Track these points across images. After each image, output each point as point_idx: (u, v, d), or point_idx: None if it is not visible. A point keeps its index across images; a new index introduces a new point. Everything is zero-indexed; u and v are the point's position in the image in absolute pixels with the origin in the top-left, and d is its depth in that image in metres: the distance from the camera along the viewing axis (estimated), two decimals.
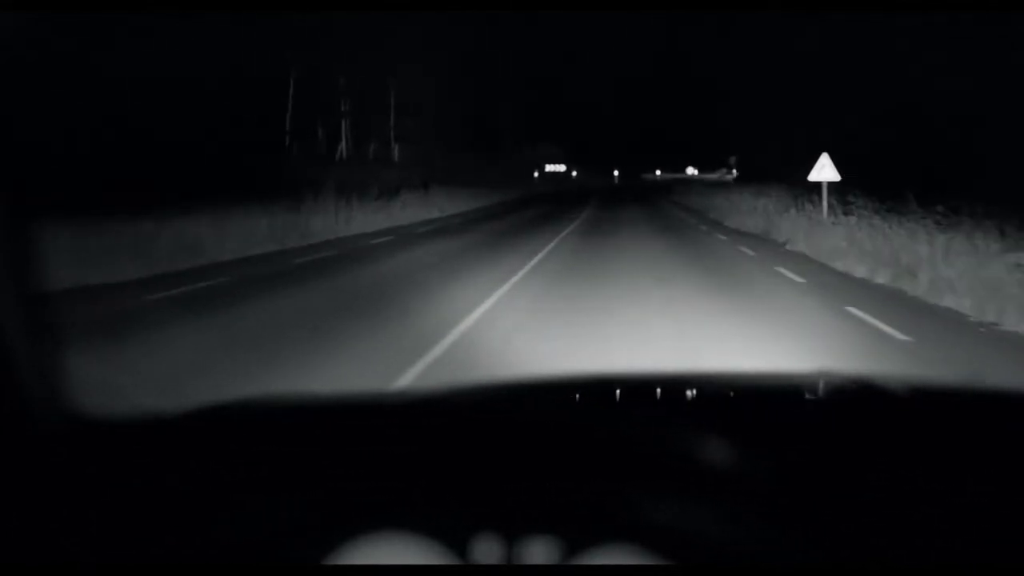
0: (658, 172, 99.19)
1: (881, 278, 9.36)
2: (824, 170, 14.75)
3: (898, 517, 0.71)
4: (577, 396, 1.22)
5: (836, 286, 9.05)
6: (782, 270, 10.46)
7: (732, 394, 1.30)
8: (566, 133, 73.76)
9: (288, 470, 0.78)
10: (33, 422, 0.81)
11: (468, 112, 46.82)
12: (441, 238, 16.55)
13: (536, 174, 63.68)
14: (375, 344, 5.77)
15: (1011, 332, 6.39)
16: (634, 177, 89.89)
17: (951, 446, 0.90)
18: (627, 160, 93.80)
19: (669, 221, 22.47)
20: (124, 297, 8.31)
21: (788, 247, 13.90)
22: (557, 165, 71.00)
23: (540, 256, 12.09)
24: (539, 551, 0.68)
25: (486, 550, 0.69)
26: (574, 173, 77.82)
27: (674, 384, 1.37)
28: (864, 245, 11.15)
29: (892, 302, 7.96)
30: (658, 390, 1.31)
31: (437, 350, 5.47)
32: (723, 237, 16.53)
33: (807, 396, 1.30)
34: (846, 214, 13.99)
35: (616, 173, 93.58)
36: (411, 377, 4.78)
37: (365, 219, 19.32)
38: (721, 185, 33.88)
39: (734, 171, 51.61)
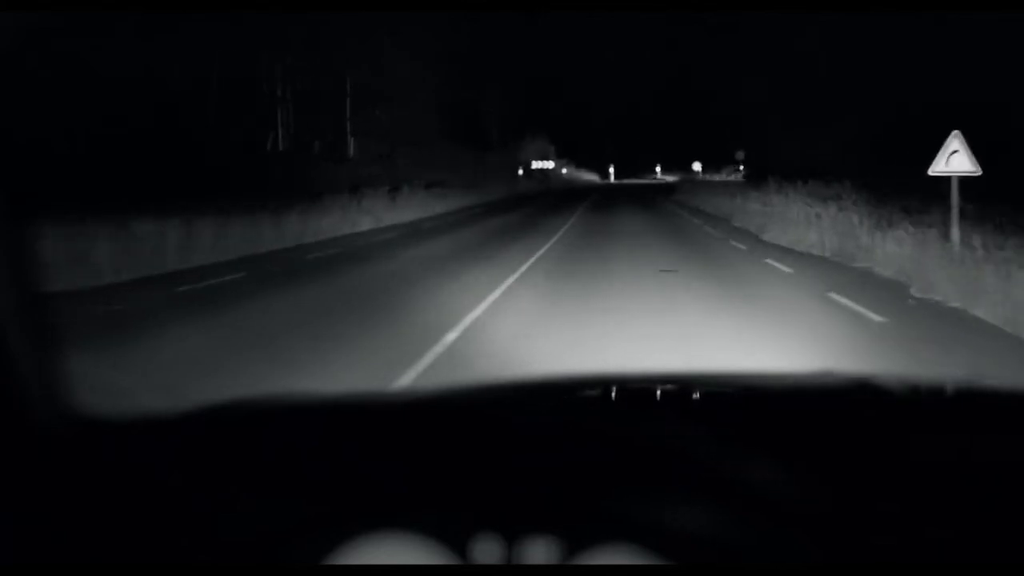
0: (658, 170, 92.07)
1: None
2: (955, 158, 8.15)
3: (899, 517, 0.71)
4: (577, 396, 1.21)
5: None
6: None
7: (733, 394, 1.30)
8: (559, 130, 68.13)
9: (288, 470, 0.78)
10: (33, 422, 0.81)
11: (444, 101, 41.35)
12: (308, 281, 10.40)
13: (520, 172, 55.60)
14: None
15: None
16: (634, 176, 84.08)
17: (951, 446, 0.89)
18: (625, 158, 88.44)
19: (695, 248, 13.68)
20: None
21: (948, 304, 7.37)
22: (546, 162, 63.66)
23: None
24: (539, 551, 0.68)
25: (486, 550, 0.68)
26: (564, 171, 71.30)
27: (675, 384, 1.37)
28: None
29: None
30: (659, 390, 1.30)
31: None
32: (836, 301, 7.85)
33: (808, 396, 1.27)
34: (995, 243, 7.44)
35: (611, 171, 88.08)
36: None
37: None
38: (737, 186, 28.06)
39: (741, 167, 45.73)
